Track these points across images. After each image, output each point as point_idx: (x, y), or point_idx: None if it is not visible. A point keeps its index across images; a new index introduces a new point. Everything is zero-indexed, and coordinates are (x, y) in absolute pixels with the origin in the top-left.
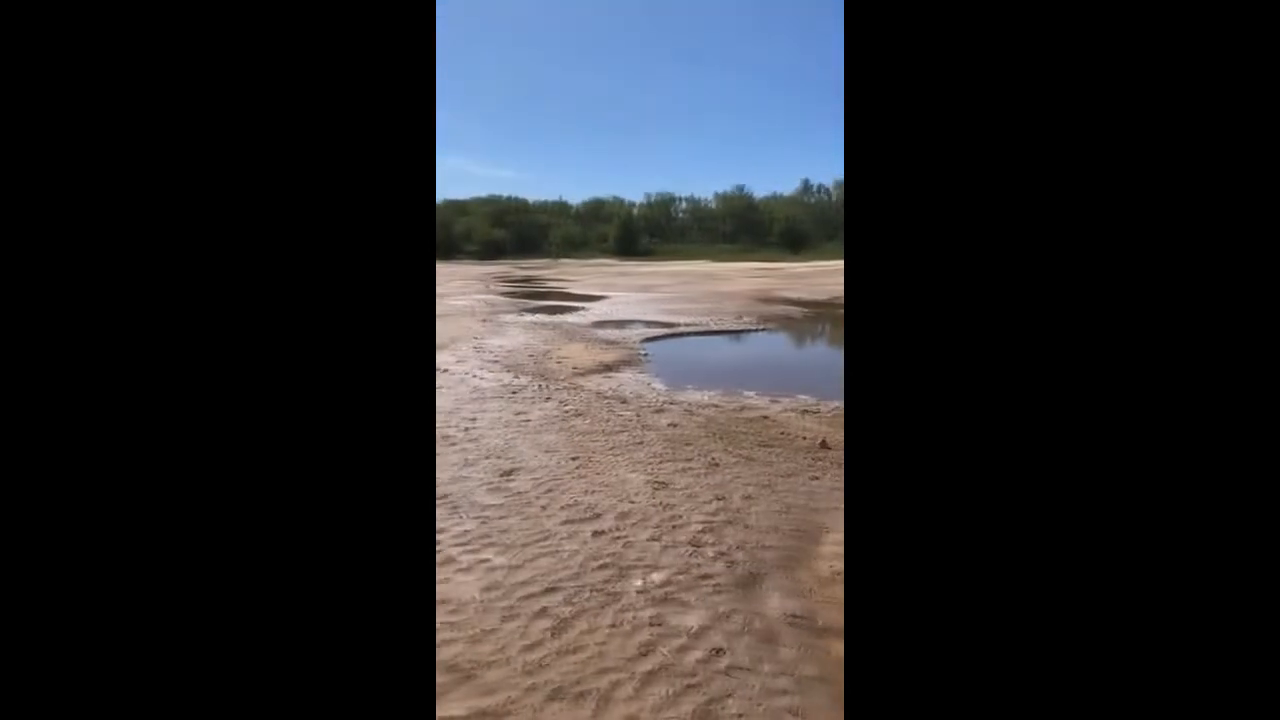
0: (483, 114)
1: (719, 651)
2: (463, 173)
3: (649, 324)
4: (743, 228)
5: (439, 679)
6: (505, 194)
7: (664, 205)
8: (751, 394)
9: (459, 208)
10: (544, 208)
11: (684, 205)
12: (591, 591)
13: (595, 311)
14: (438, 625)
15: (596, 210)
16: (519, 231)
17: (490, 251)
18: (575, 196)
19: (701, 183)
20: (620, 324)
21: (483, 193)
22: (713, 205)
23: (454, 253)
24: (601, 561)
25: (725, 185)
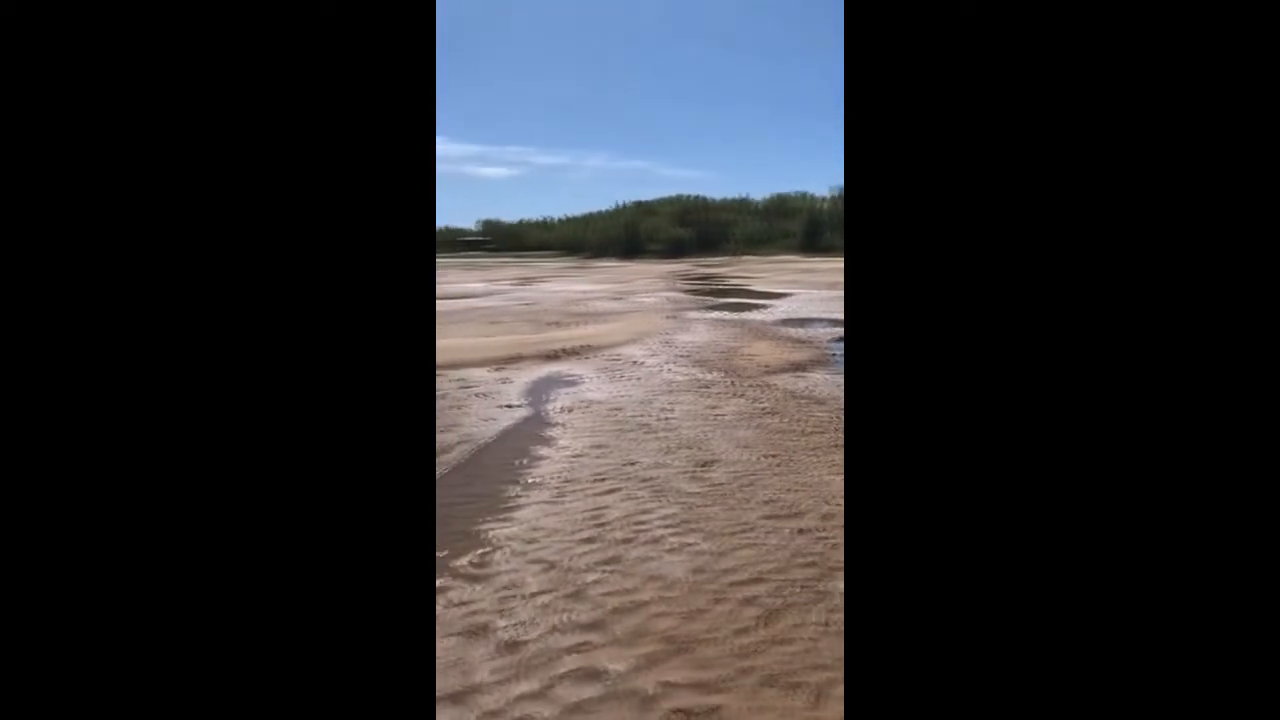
0: (670, 116)
1: None
2: (651, 175)
3: (836, 323)
4: None
5: (656, 648)
6: (691, 193)
7: None
8: None
9: (645, 209)
10: (727, 205)
11: None
12: (799, 587)
13: (779, 309)
14: (651, 597)
15: (780, 206)
16: (701, 229)
17: (673, 250)
18: (760, 193)
19: None
20: (806, 322)
21: (670, 193)
22: None
23: (638, 252)
24: (807, 559)
25: None
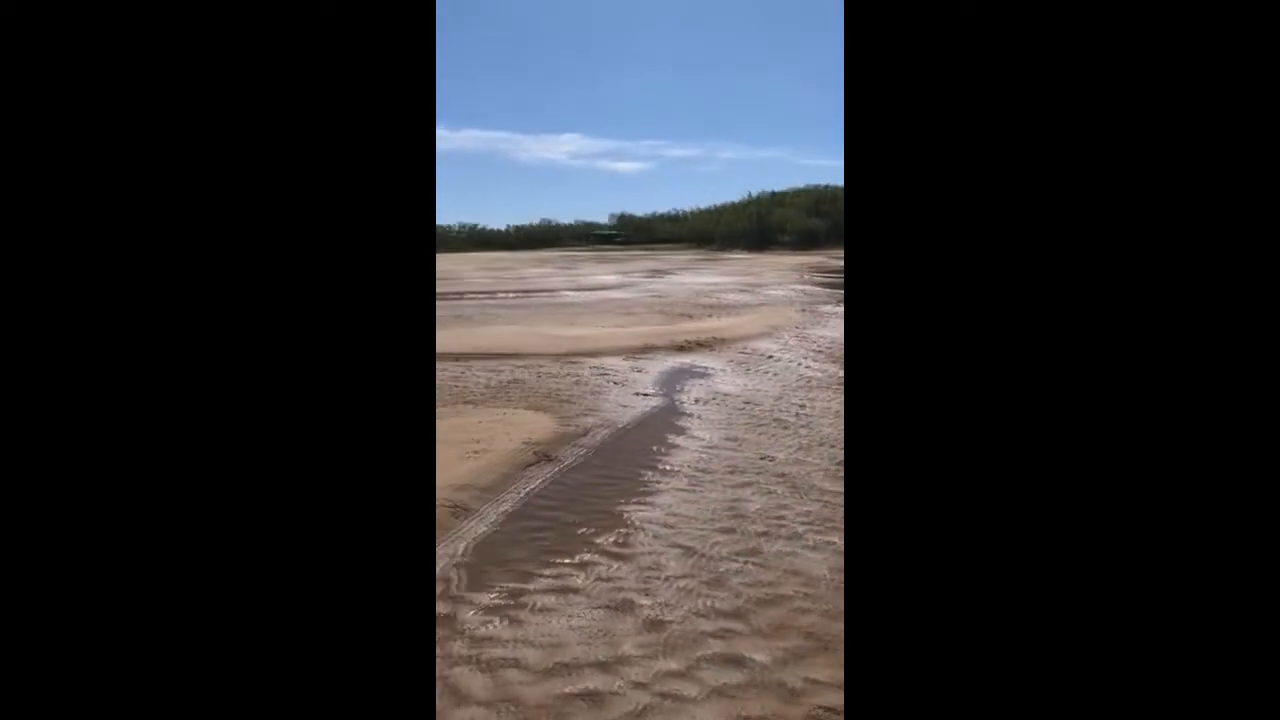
0: (807, 104)
1: None
2: (786, 165)
3: None
4: None
5: (799, 643)
6: (824, 183)
7: None
8: None
9: (776, 199)
10: None
11: None
12: None
13: None
14: (793, 592)
15: None
16: (836, 220)
17: (805, 241)
18: None
19: None
20: None
21: (805, 183)
22: None
23: (768, 244)
24: None
25: None
